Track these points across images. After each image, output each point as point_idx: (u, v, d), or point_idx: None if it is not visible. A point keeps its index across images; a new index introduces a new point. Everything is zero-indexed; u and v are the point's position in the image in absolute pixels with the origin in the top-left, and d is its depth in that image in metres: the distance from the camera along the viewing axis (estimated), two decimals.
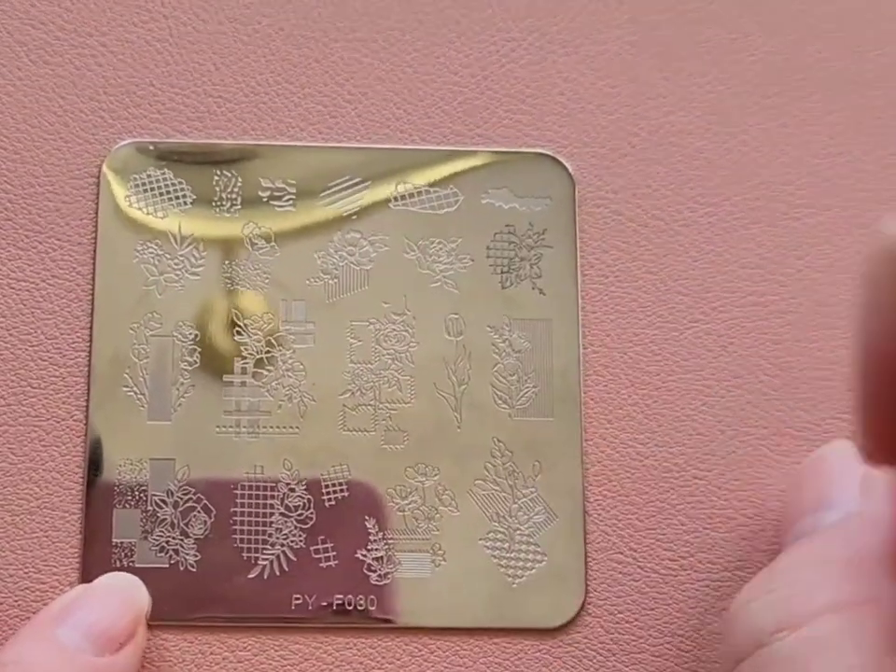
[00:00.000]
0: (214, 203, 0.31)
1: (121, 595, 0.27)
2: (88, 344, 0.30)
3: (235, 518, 0.29)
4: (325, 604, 0.29)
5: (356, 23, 0.33)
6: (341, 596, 0.29)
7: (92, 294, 0.30)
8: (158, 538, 0.29)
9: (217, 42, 0.32)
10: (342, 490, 0.30)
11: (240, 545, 0.29)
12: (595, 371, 0.31)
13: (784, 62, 0.33)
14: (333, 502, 0.30)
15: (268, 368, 0.30)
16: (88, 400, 0.30)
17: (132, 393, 0.30)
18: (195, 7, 0.32)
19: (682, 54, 0.33)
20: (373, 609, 0.29)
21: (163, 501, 0.29)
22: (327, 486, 0.30)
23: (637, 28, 0.33)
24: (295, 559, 0.29)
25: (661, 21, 0.33)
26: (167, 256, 0.31)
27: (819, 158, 0.33)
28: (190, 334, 0.30)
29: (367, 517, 0.30)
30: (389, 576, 0.29)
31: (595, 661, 0.29)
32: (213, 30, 0.32)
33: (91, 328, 0.30)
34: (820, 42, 0.33)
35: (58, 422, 0.30)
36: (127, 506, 0.29)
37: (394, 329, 0.31)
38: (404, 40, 0.33)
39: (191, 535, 0.29)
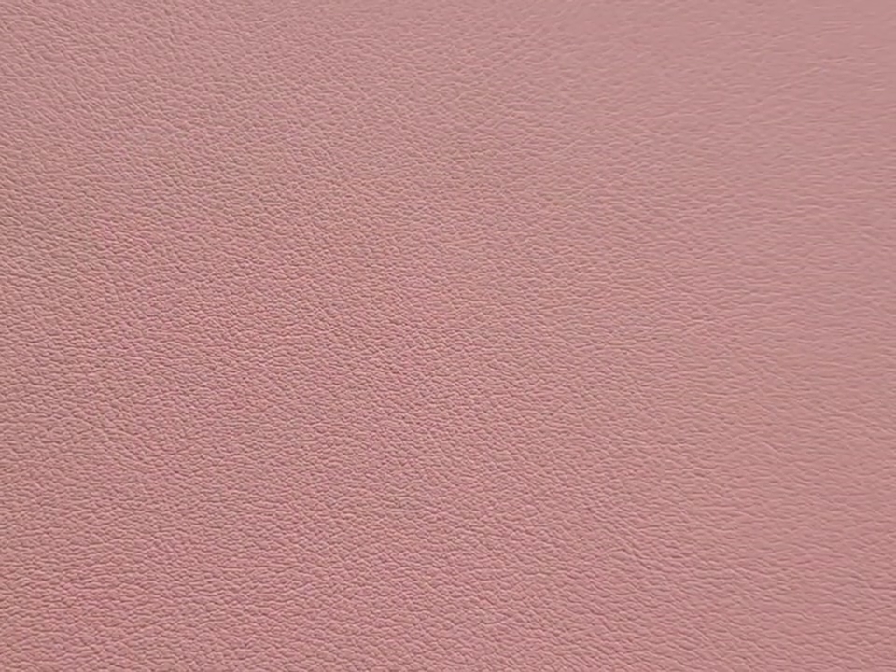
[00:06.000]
0: None
1: None
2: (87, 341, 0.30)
3: None
4: None
5: (357, 19, 0.33)
6: None
7: (92, 291, 0.30)
8: None
9: (219, 38, 0.32)
10: None
11: None
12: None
13: (787, 59, 0.33)
14: None
15: None
16: (85, 398, 0.30)
17: None
18: (198, 3, 0.32)
19: (685, 51, 0.33)
20: None
21: None
22: None
23: (639, 24, 0.33)
24: None
25: (663, 17, 0.33)
26: None
27: (822, 154, 0.33)
28: None
29: None
30: None
31: (597, 657, 0.29)
32: (215, 25, 0.32)
33: (90, 324, 0.30)
34: (823, 39, 0.33)
35: (59, 418, 0.30)
36: None
37: None
38: (406, 36, 0.33)
39: None
